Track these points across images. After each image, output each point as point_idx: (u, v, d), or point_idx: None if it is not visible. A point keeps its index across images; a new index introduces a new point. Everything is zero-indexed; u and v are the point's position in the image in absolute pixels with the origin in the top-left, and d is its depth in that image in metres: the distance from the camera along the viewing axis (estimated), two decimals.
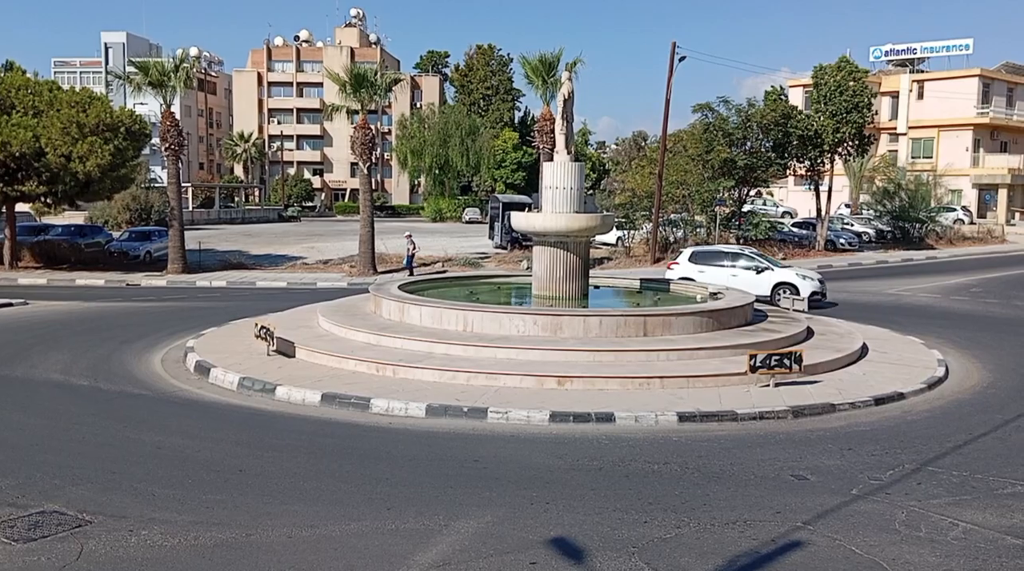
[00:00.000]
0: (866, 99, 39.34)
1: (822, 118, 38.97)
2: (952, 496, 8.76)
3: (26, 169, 29.48)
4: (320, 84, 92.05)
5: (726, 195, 39.05)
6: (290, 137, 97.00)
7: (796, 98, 54.75)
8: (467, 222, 71.34)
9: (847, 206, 54.52)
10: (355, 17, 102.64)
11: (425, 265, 34.46)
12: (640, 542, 7.53)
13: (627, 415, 11.57)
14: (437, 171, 78.07)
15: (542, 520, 8.06)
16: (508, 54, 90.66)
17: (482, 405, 11.95)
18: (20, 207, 34.82)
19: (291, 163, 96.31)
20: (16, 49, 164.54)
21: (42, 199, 31.86)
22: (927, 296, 26.62)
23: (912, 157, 60.69)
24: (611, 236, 38.85)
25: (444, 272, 31.62)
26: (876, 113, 44.60)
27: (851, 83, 39.07)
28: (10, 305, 23.05)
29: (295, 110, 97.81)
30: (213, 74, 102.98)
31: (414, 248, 32.43)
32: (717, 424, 11.54)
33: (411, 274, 31.10)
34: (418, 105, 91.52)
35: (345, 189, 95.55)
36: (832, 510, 8.33)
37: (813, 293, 23.08)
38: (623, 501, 8.57)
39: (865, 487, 9.01)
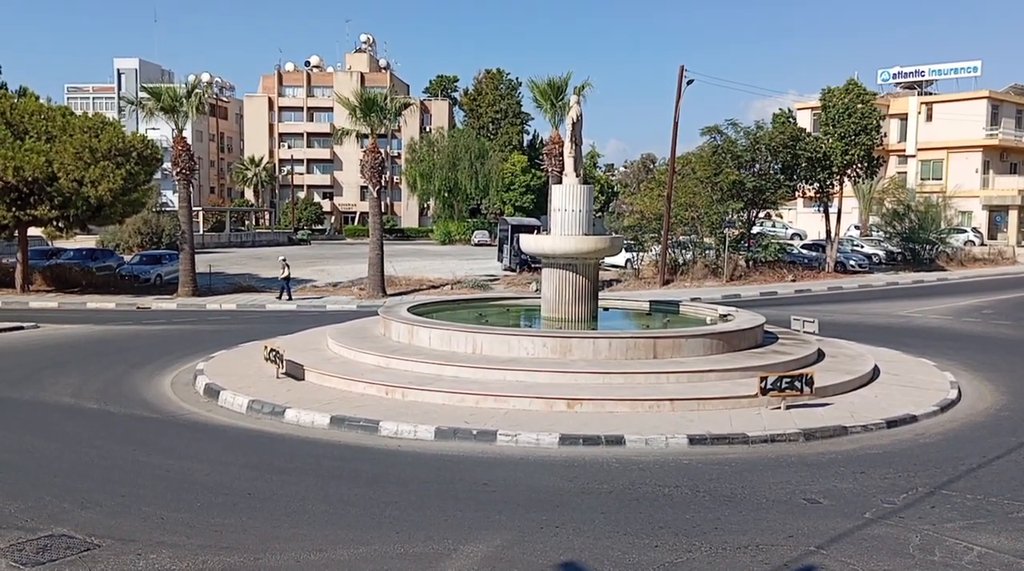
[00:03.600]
0: (874, 121, 39.39)
1: (831, 140, 39.01)
2: (966, 520, 8.66)
3: (39, 193, 29.75)
4: (330, 109, 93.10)
5: (735, 217, 39.04)
6: (300, 161, 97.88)
7: (804, 120, 54.90)
8: (476, 245, 71.62)
9: (856, 228, 54.39)
10: (365, 42, 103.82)
11: (435, 287, 34.54)
12: (651, 567, 7.46)
13: (637, 438, 11.50)
14: (446, 194, 78.50)
15: (552, 544, 8.00)
16: (517, 78, 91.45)
17: (491, 428, 11.90)
18: (32, 231, 35.11)
19: (301, 187, 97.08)
20: (29, 75, 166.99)
21: (54, 223, 32.11)
22: (938, 318, 26.46)
23: (921, 178, 60.67)
24: (620, 258, 38.90)
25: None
26: (885, 135, 44.69)
27: (859, 105, 39.13)
28: (21, 328, 23.16)
29: (305, 134, 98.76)
30: (224, 99, 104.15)
31: (285, 271, 31.32)
32: (728, 447, 11.46)
33: (289, 298, 31.01)
34: (427, 129, 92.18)
35: (355, 212, 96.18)
36: (845, 534, 8.24)
37: None
38: (633, 525, 8.51)
39: (878, 511, 8.91)
